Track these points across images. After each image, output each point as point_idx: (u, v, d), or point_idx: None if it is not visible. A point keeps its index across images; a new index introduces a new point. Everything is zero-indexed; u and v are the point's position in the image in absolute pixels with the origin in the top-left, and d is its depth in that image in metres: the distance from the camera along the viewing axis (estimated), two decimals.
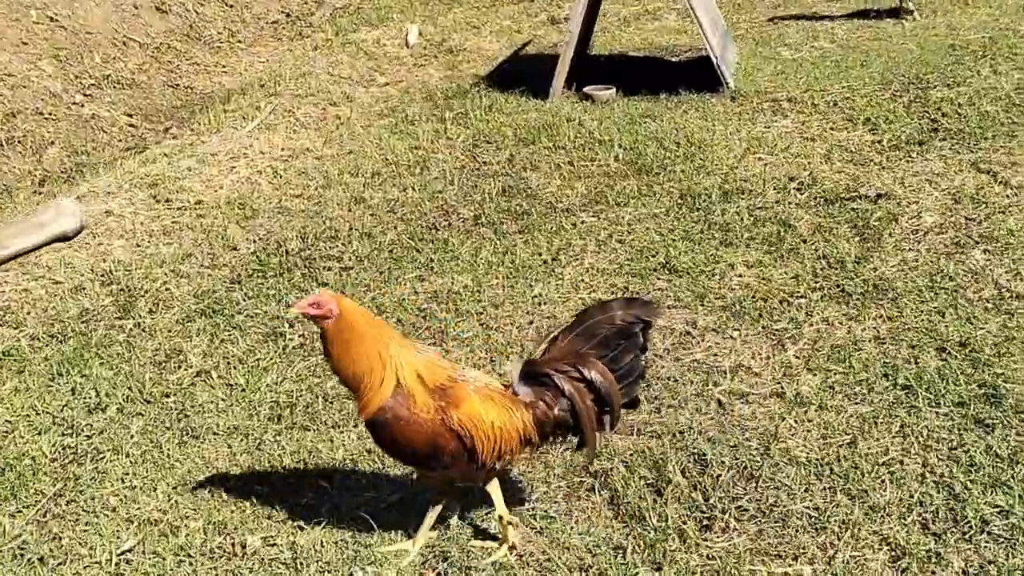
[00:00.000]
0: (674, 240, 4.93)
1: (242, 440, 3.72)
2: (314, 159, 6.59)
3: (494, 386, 2.86)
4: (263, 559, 3.09)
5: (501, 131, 6.69)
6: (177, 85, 9.00)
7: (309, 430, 3.74)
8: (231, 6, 10.93)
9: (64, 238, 5.42)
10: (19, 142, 7.17)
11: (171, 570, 3.09)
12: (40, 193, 6.57)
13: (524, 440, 2.84)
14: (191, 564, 3.11)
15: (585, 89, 7.34)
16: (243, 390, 4.06)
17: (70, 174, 6.93)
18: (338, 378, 2.83)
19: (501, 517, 2.97)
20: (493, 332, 4.29)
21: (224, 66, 9.71)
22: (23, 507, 3.47)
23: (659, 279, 4.60)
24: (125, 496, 3.47)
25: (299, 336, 4.40)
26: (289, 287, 4.84)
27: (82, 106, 7.95)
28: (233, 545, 3.17)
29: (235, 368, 4.23)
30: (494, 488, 2.98)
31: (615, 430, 3.09)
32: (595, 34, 8.96)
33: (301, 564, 3.03)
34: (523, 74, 8.02)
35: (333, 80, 8.42)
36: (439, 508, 3.03)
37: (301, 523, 3.21)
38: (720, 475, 3.25)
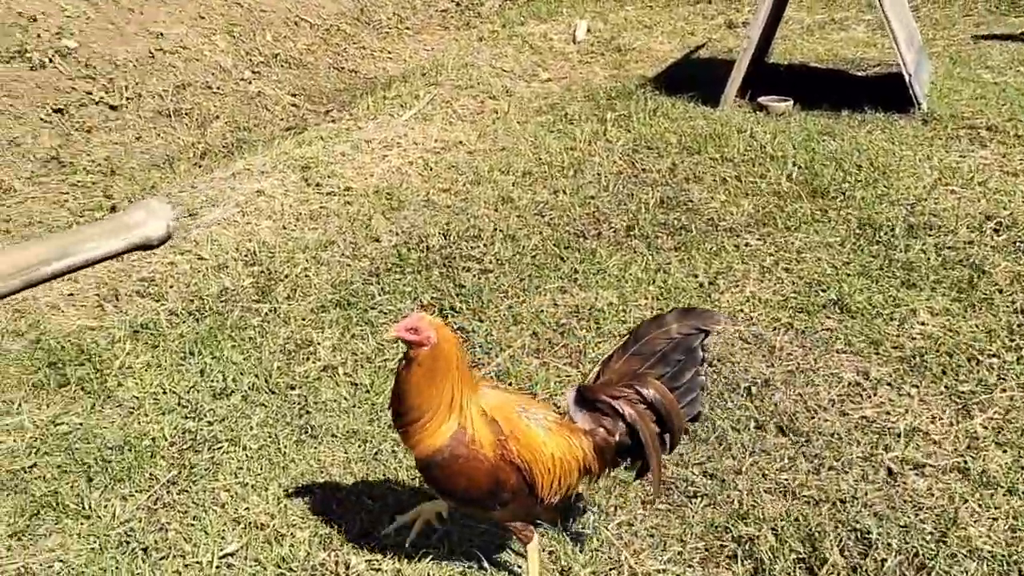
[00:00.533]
0: (849, 275, 4.44)
1: (360, 446, 3.52)
2: (466, 153, 6.40)
3: (551, 416, 2.69)
4: None
5: (664, 137, 6.31)
6: (342, 68, 9.03)
7: None
8: None
9: (147, 246, 5.14)
10: (186, 114, 7.30)
11: None
12: (200, 166, 6.64)
13: (584, 469, 2.67)
14: None
15: (760, 99, 6.86)
16: (367, 391, 3.87)
17: (230, 149, 6.99)
18: (393, 403, 2.59)
19: None
20: None
21: (390, 52, 9.70)
22: (136, 491, 3.38)
23: (828, 318, 4.14)
24: (236, 493, 3.33)
25: None
26: (426, 286, 4.63)
27: (249, 83, 8.05)
28: (336, 564, 2.96)
29: (362, 366, 4.05)
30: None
31: (675, 451, 2.76)
32: (775, 41, 8.42)
33: None
34: (694, 79, 7.59)
35: (495, 72, 8.23)
36: (536, 548, 2.77)
37: (409, 550, 2.97)
38: (886, 560, 2.81)
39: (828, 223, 4.98)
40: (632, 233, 5.05)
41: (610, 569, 2.83)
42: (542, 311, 4.34)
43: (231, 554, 3.04)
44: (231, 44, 8.24)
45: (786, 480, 3.17)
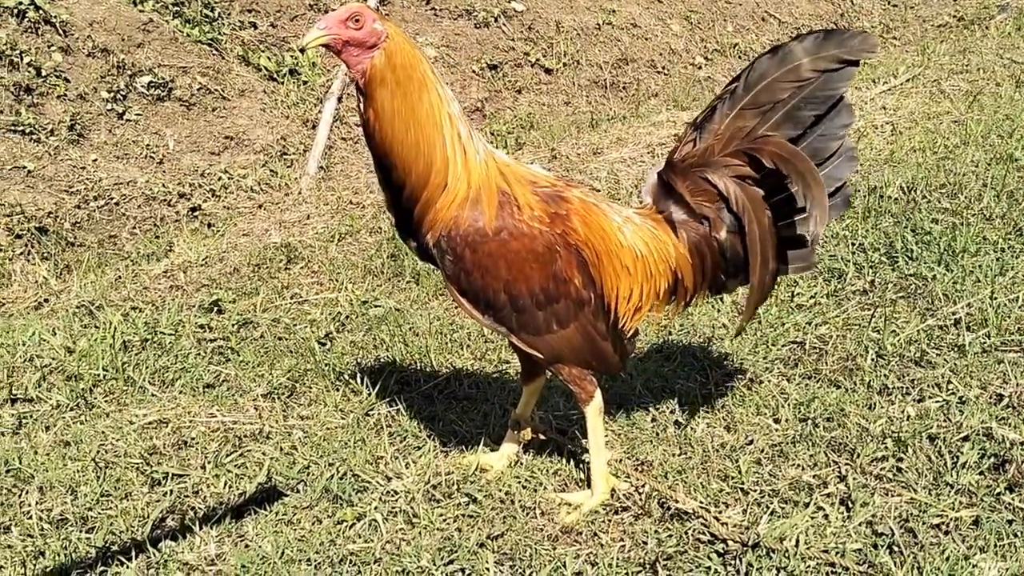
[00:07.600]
0: None
1: None
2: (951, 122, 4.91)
3: (628, 210, 1.95)
4: None
5: None
6: None
7: None
8: (894, 5, 9.56)
9: None
10: (624, 87, 6.71)
11: None
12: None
13: (673, 280, 1.91)
14: None
15: None
16: None
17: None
18: (380, 174, 1.74)
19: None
20: None
21: (875, 60, 8.37)
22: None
23: None
24: None
25: None
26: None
27: (699, 68, 7.28)
28: None
29: None
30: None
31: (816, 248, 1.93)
32: None
33: None
34: None
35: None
36: (600, 411, 1.94)
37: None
38: None
39: None
40: None
41: None
42: None
43: None
44: (686, 29, 7.54)
45: None
